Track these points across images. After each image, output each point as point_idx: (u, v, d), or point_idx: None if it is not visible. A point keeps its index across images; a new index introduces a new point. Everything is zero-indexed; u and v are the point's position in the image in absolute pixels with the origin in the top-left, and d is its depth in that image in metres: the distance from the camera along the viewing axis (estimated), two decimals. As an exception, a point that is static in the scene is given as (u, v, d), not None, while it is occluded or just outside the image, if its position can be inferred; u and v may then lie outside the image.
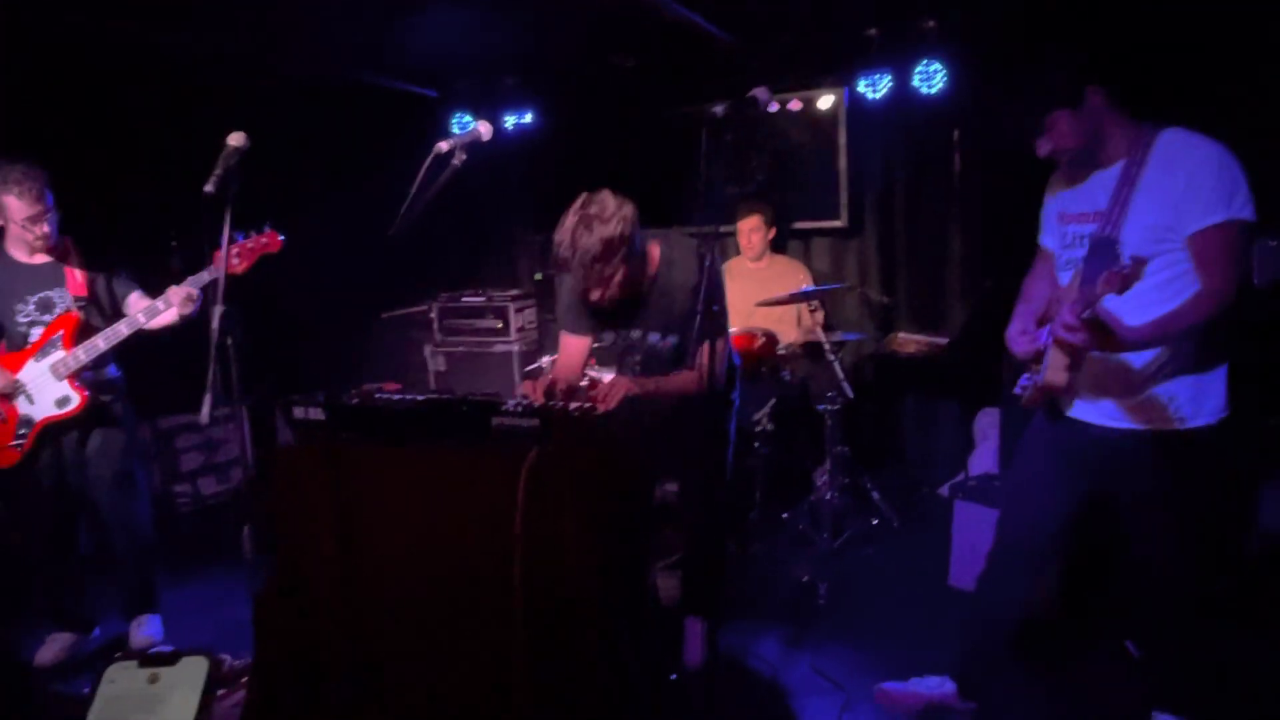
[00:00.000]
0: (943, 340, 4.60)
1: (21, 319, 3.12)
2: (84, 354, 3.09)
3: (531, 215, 6.10)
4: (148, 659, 2.56)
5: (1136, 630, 2.46)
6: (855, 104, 4.99)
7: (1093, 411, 2.34)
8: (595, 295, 2.70)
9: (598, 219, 2.60)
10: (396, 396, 2.23)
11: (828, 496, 4.11)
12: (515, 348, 5.41)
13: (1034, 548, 2.53)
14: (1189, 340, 2.18)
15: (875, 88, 4.84)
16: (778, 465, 4.28)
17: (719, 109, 2.38)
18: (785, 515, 4.27)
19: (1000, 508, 2.70)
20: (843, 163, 5.08)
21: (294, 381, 4.15)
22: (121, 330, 3.09)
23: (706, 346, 2.33)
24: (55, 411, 3.12)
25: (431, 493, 2.08)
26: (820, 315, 4.25)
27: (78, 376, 3.12)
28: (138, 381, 3.41)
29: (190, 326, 3.14)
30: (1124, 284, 1.95)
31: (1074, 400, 2.37)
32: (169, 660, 2.54)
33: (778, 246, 5.06)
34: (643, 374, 3.01)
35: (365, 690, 2.14)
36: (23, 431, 3.11)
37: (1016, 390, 2.43)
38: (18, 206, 3.01)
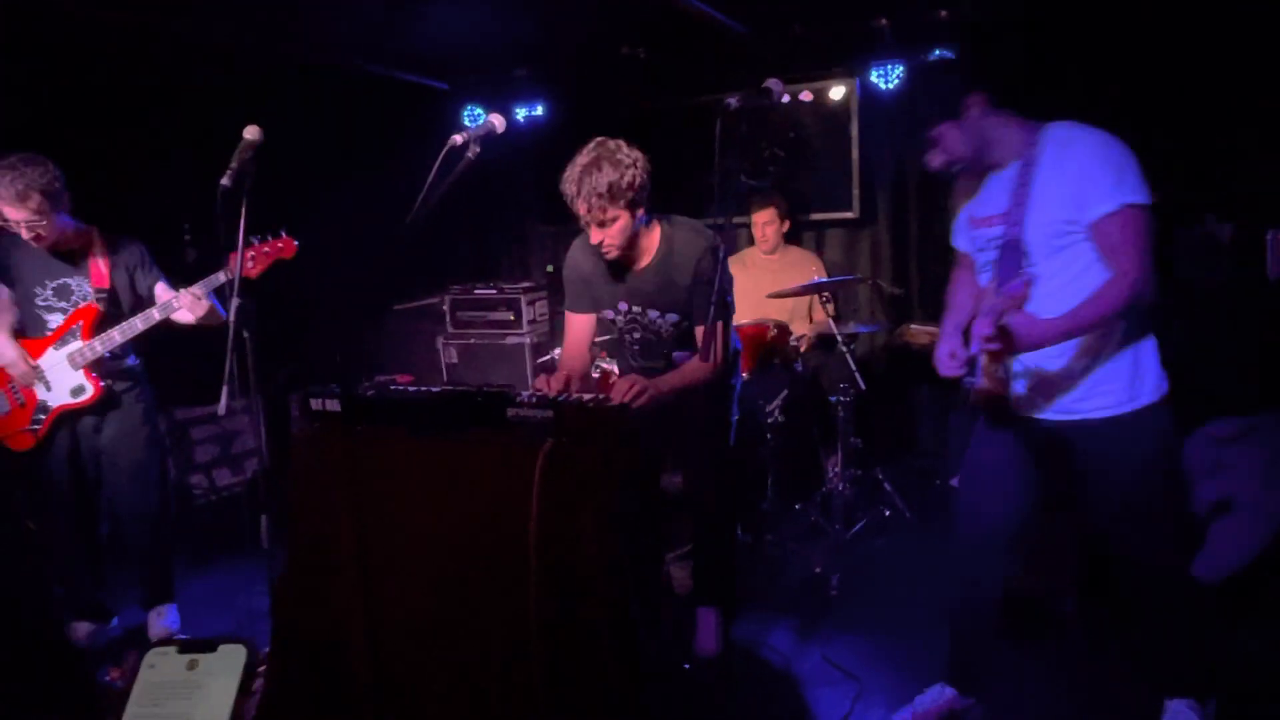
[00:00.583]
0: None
1: (40, 303, 3.14)
2: (100, 345, 3.12)
3: (543, 207, 6.10)
4: (187, 645, 2.54)
5: (1137, 618, 2.46)
6: (867, 94, 4.98)
7: (1041, 408, 2.34)
8: (595, 237, 2.71)
9: (611, 159, 2.63)
10: (411, 389, 2.24)
11: (840, 488, 4.11)
12: (527, 340, 5.42)
13: (995, 537, 2.52)
14: (1116, 324, 2.19)
15: (887, 78, 4.82)
16: (790, 456, 4.28)
17: (733, 100, 2.39)
18: (797, 506, 4.27)
19: (960, 500, 2.66)
20: (855, 153, 5.08)
21: (307, 373, 4.20)
22: (137, 325, 3.12)
23: (715, 336, 2.34)
24: (70, 400, 3.16)
25: (447, 483, 2.09)
26: (831, 307, 4.25)
27: (94, 367, 3.16)
28: (153, 373, 3.43)
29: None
30: (1020, 303, 2.04)
31: (1019, 400, 2.37)
32: (208, 647, 2.51)
33: (791, 237, 5.05)
34: (640, 353, 3.02)
35: (382, 679, 2.16)
36: (39, 417, 3.15)
37: (965, 388, 2.45)
38: (8, 210, 2.94)
